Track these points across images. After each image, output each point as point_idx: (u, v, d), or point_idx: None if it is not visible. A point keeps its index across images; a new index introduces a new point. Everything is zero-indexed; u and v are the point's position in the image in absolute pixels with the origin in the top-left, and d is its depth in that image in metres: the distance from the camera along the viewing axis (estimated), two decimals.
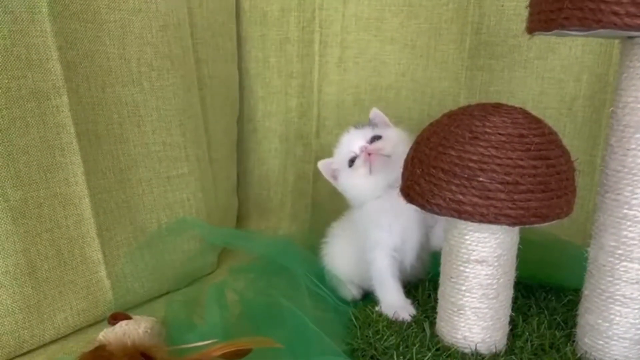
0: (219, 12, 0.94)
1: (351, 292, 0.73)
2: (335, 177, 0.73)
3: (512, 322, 0.61)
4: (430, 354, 0.56)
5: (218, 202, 0.94)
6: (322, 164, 0.74)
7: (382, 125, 0.73)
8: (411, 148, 0.57)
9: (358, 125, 0.73)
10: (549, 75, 0.87)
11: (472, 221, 0.51)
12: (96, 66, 0.71)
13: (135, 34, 0.75)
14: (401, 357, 0.56)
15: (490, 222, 0.50)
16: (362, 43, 0.96)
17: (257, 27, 1.01)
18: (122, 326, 0.58)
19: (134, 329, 0.57)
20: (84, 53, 0.70)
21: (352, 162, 0.69)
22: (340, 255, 0.75)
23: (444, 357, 0.56)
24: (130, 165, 0.76)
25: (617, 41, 0.80)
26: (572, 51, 0.85)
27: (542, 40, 0.86)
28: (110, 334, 0.56)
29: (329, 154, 1.02)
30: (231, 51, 1.00)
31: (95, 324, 0.70)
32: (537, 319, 0.64)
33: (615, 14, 0.42)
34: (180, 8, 0.82)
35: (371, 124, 0.73)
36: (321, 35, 0.97)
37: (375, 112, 0.74)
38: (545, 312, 0.66)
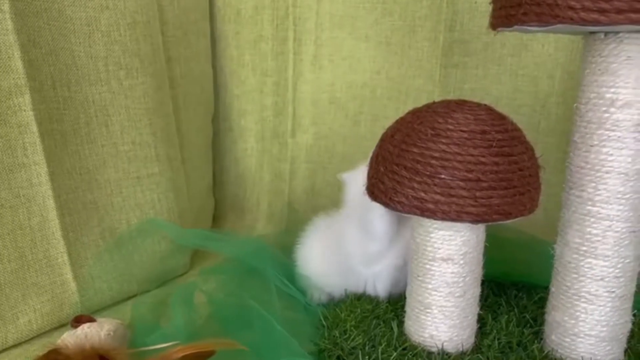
0: (191, 10, 0.93)
1: (319, 296, 0.72)
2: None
3: (482, 320, 0.61)
4: (396, 354, 0.55)
5: (192, 202, 0.93)
6: (350, 176, 0.69)
7: None
8: (376, 145, 0.57)
9: None
10: (523, 72, 0.87)
11: (434, 219, 0.50)
12: (61, 64, 0.70)
13: (102, 32, 0.74)
14: (366, 357, 0.55)
15: (452, 219, 0.50)
16: (336, 41, 0.95)
17: (231, 25, 1.00)
18: (83, 329, 0.57)
19: (95, 332, 0.56)
20: (48, 51, 0.68)
21: None
22: (318, 261, 0.73)
23: (410, 356, 0.55)
24: (98, 165, 0.75)
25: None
26: (545, 48, 0.85)
27: (516, 37, 0.86)
28: (70, 337, 0.55)
29: (305, 152, 1.02)
30: (205, 49, 0.99)
31: (60, 327, 0.69)
32: (506, 316, 0.63)
33: (572, 8, 0.42)
34: (150, 5, 0.81)
35: None
36: (295, 33, 0.96)
37: None
38: (515, 309, 0.65)
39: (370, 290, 0.70)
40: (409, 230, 0.62)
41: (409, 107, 0.93)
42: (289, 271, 0.74)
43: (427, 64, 0.91)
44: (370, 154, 0.59)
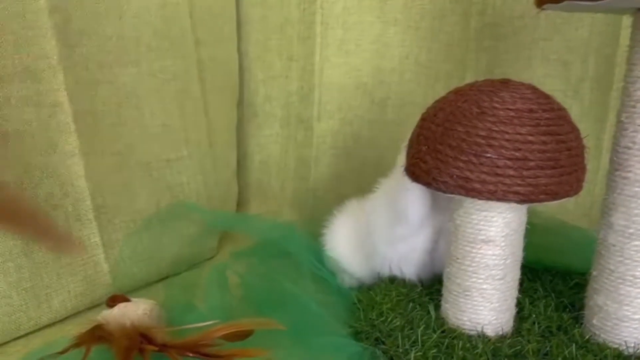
0: None
1: (349, 280, 0.72)
2: None
3: (519, 305, 0.60)
4: (435, 336, 0.55)
5: (217, 188, 0.93)
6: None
7: None
8: (416, 125, 0.56)
9: None
10: (555, 56, 0.86)
11: (479, 199, 0.50)
12: (93, 46, 0.70)
13: (132, 13, 0.73)
14: (406, 339, 0.54)
15: (498, 199, 0.49)
16: (364, 25, 0.94)
17: (257, 9, 0.99)
18: (120, 308, 0.57)
19: (132, 311, 0.56)
20: (80, 32, 0.68)
21: None
22: (346, 244, 0.72)
23: (450, 338, 0.54)
24: (129, 147, 0.74)
25: (624, 21, 0.79)
26: (579, 32, 0.84)
27: (548, 20, 0.84)
28: (109, 316, 0.55)
29: (330, 138, 1.01)
30: (231, 33, 0.98)
31: (93, 307, 0.69)
32: (544, 301, 0.62)
33: None
34: None
35: None
36: (322, 17, 0.95)
37: None
38: (552, 295, 0.64)
39: (397, 273, 0.69)
40: (443, 213, 0.62)
41: (438, 92, 0.92)
42: (318, 255, 0.73)
43: (458, 49, 0.89)
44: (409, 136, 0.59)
